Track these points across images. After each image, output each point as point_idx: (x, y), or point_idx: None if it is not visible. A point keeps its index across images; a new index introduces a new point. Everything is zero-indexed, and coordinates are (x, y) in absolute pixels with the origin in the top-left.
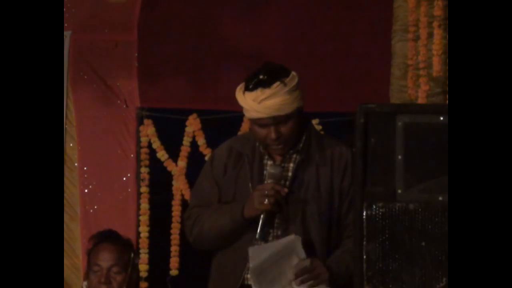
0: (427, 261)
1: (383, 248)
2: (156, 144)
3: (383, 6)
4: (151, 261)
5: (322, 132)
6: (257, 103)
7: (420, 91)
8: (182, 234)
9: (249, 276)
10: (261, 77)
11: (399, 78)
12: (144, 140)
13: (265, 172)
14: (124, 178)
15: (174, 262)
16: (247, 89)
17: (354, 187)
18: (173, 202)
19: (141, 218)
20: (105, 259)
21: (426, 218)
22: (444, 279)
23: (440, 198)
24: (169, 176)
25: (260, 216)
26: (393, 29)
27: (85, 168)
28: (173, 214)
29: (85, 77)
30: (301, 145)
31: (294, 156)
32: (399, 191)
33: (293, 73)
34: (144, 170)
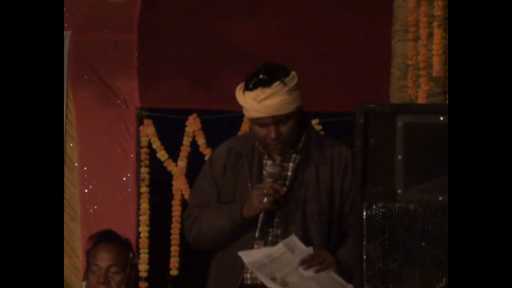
0: (427, 261)
1: (383, 248)
2: (156, 144)
3: (383, 6)
4: (151, 261)
5: (322, 132)
6: (257, 103)
7: (420, 91)
8: (182, 234)
9: (248, 275)
10: (261, 76)
11: (399, 78)
12: (144, 140)
13: (264, 171)
14: (124, 178)
15: (174, 262)
16: (247, 88)
17: (354, 187)
18: (173, 202)
19: (141, 218)
20: (104, 259)
21: (426, 218)
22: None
23: (440, 198)
24: (169, 176)
25: (259, 215)
26: (393, 29)
27: (85, 168)
28: (173, 214)
29: (85, 77)
30: (300, 145)
31: (294, 156)
32: (399, 191)
33: (293, 73)
34: (144, 170)
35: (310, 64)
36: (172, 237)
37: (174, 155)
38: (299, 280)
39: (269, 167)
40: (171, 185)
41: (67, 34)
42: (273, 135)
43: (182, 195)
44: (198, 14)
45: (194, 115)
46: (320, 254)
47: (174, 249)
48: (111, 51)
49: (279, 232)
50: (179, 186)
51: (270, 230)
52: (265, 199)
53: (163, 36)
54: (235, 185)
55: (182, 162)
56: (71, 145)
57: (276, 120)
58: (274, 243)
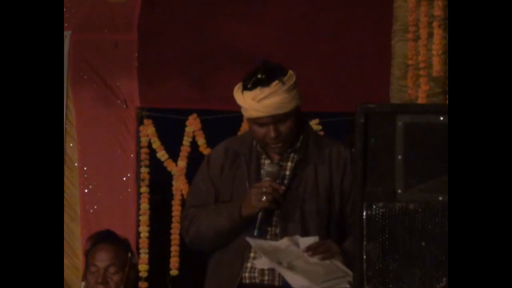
0: (427, 261)
1: (383, 248)
2: (156, 144)
3: (383, 6)
4: (151, 261)
5: (322, 132)
6: (256, 102)
7: (420, 91)
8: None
9: (246, 275)
10: (259, 76)
11: (399, 78)
12: (144, 140)
13: (262, 171)
14: (124, 178)
15: (174, 262)
16: (245, 88)
17: (354, 187)
18: (173, 202)
19: (141, 218)
20: (102, 259)
21: (426, 218)
22: (444, 279)
23: (440, 198)
24: (169, 176)
25: (258, 214)
26: (393, 29)
27: (85, 168)
28: (173, 214)
29: (85, 77)
30: (298, 144)
31: (292, 155)
32: (399, 191)
33: (291, 72)
34: (144, 170)
35: (310, 64)
36: (172, 237)
37: (174, 155)
38: (305, 265)
39: (267, 166)
40: (171, 185)
41: (67, 34)
42: (272, 134)
43: (182, 195)
44: (198, 14)
45: (194, 115)
46: (326, 242)
47: (174, 249)
48: (111, 51)
49: (277, 231)
50: (179, 186)
51: (269, 229)
52: (264, 197)
53: (163, 36)
54: (233, 185)
55: (182, 162)
56: (71, 145)
57: (275, 119)
58: None
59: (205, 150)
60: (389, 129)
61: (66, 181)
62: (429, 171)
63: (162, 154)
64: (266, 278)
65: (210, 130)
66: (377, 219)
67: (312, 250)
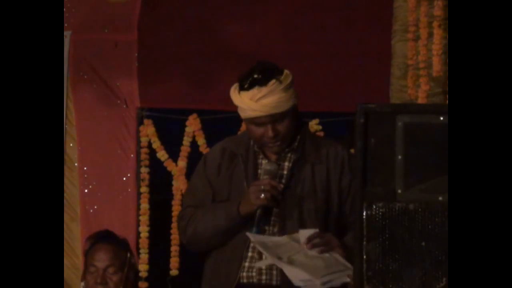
0: (427, 261)
1: (383, 248)
2: (156, 144)
3: (383, 6)
4: (151, 261)
5: (322, 132)
6: (254, 102)
7: (420, 91)
8: None
9: (244, 274)
10: (255, 76)
11: (399, 78)
12: (144, 140)
13: (259, 171)
14: (124, 178)
15: (174, 262)
16: (242, 88)
17: (354, 186)
18: (173, 202)
19: (141, 218)
20: (101, 259)
21: (426, 218)
22: (444, 279)
23: (440, 198)
24: (169, 176)
25: (256, 212)
26: (393, 29)
27: (85, 168)
28: (173, 214)
29: (85, 77)
30: (296, 143)
31: (289, 155)
32: (399, 191)
33: (286, 71)
34: (144, 170)
35: (310, 63)
36: (172, 237)
37: (174, 155)
38: (305, 259)
39: (265, 164)
40: (171, 185)
41: (67, 34)
42: (270, 133)
43: (182, 195)
44: (198, 14)
45: (194, 115)
46: (326, 235)
47: (174, 249)
48: (111, 51)
49: (276, 229)
50: (179, 186)
51: (267, 227)
52: (263, 195)
53: (163, 36)
54: (230, 184)
55: (182, 162)
56: (71, 145)
57: (273, 119)
58: None
59: (205, 150)
60: (389, 129)
61: (66, 181)
62: (429, 171)
63: (162, 154)
64: (263, 277)
65: (210, 130)
66: (377, 219)
67: (312, 242)
